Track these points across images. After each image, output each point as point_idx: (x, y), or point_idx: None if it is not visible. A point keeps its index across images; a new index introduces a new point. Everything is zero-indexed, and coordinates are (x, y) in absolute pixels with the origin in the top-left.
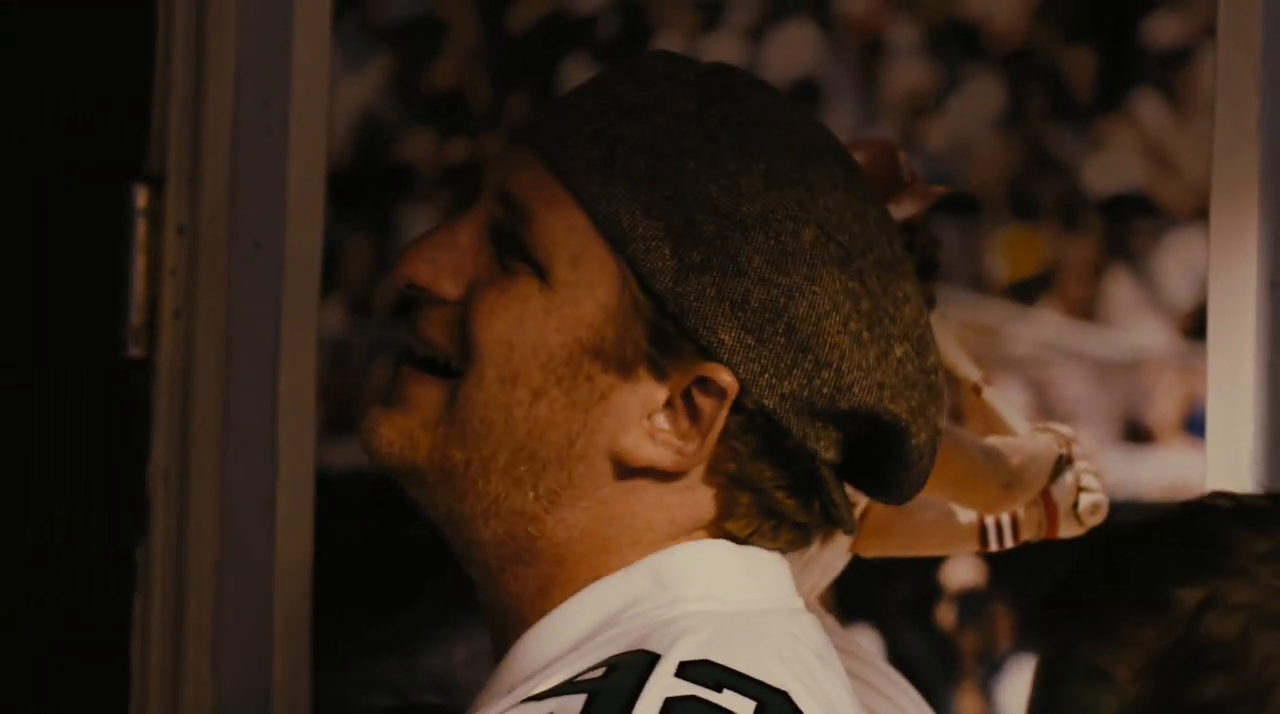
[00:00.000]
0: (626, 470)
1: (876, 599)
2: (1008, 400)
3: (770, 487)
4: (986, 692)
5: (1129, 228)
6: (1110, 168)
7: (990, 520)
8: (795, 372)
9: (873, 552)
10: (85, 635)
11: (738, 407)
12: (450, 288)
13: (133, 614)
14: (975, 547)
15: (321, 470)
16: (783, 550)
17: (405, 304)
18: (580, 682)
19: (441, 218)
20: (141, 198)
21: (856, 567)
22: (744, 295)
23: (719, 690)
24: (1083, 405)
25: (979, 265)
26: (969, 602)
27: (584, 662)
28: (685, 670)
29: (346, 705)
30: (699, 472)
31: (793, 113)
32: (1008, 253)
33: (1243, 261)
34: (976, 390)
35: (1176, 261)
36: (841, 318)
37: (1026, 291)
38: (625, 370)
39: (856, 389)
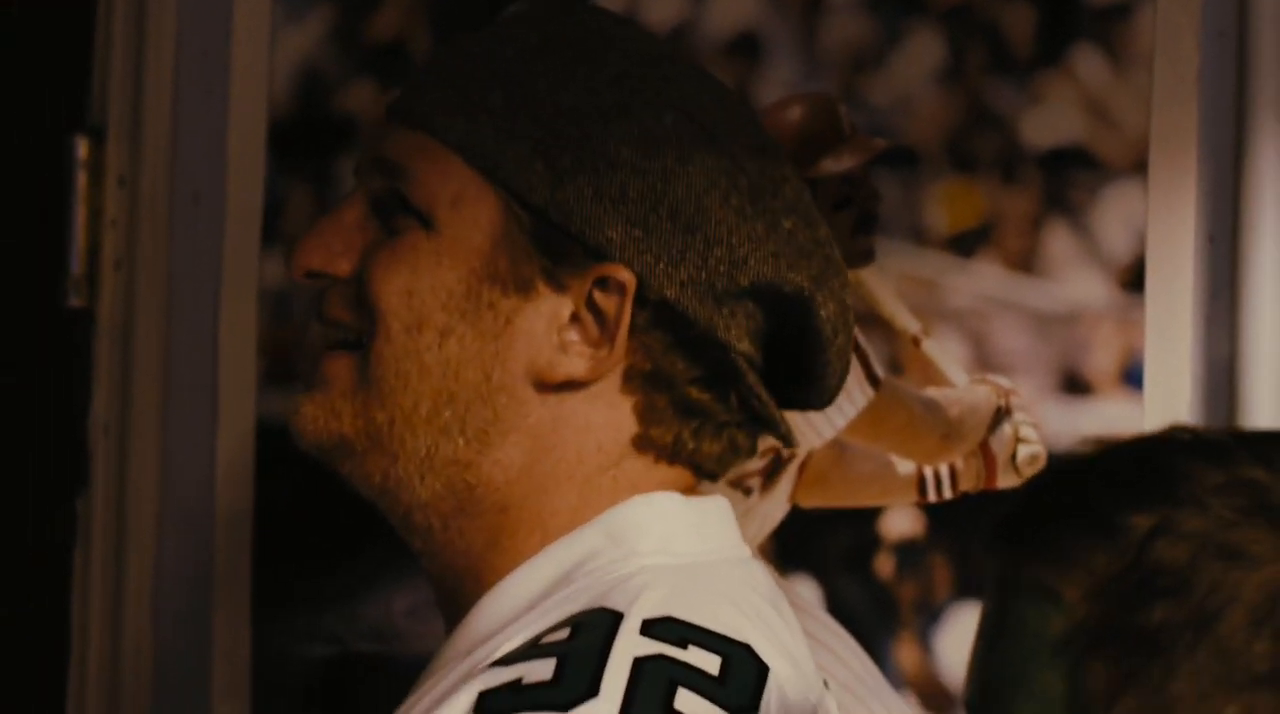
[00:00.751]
0: (547, 390)
1: (816, 549)
2: (946, 352)
3: (684, 380)
4: (924, 641)
5: (1068, 181)
6: (1049, 121)
7: (929, 471)
8: (689, 254)
9: (812, 502)
10: (24, 585)
11: (641, 302)
12: (345, 265)
13: (73, 564)
14: (914, 497)
15: (262, 422)
16: (714, 469)
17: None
18: (546, 644)
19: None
20: (82, 149)
21: (796, 517)
22: (621, 188)
23: (684, 647)
24: (1021, 357)
25: (918, 218)
26: (907, 552)
27: (544, 621)
28: (650, 628)
29: (287, 655)
30: (616, 382)
31: (636, 29)
32: (947, 206)
33: (1181, 215)
34: (915, 342)
35: (1115, 214)
36: (721, 194)
37: (965, 244)
38: (524, 290)
39: (752, 261)
